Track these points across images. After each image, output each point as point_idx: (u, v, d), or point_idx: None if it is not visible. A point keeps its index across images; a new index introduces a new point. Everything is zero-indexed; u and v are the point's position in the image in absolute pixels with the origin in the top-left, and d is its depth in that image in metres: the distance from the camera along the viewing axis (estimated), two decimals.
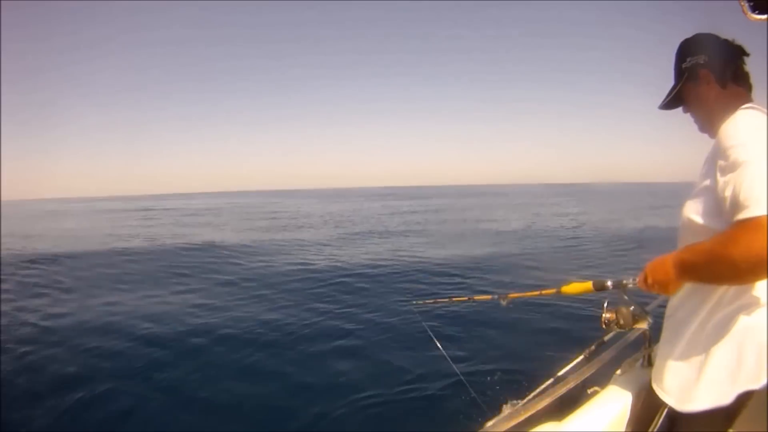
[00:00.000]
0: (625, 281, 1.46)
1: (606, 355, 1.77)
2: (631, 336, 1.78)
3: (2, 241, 14.74)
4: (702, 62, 1.27)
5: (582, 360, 1.88)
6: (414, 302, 3.60)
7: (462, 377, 2.60)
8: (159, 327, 5.67)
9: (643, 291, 1.33)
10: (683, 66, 1.32)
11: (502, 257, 10.29)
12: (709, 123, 1.28)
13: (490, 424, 1.52)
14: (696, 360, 1.22)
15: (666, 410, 1.30)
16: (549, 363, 2.12)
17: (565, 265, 9.18)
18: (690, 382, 1.23)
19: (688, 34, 1.34)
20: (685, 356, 1.25)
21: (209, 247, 12.43)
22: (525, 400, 1.74)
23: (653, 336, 1.73)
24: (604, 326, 1.52)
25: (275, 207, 39.69)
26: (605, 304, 1.52)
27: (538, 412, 1.53)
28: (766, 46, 1.15)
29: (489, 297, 2.11)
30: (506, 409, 2.03)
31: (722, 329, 1.17)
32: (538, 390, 1.80)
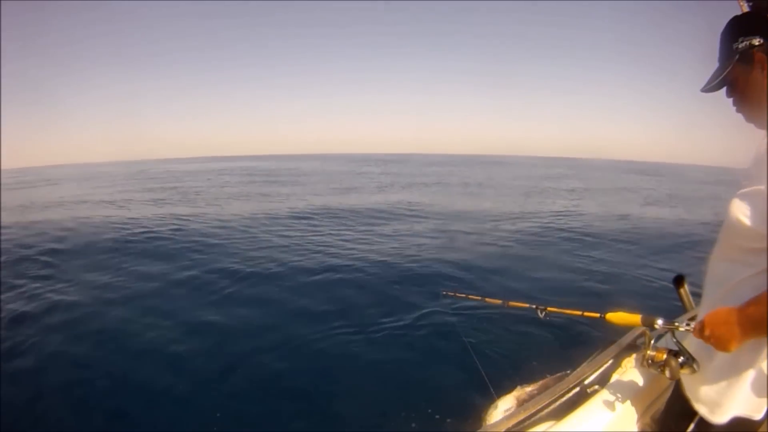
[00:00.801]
0: (677, 323, 1.36)
1: (606, 355, 1.77)
2: (631, 336, 1.78)
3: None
4: (758, 44, 1.14)
5: (582, 360, 1.88)
6: (444, 292, 3.41)
7: (481, 369, 2.46)
8: None
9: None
10: (734, 46, 1.17)
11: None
12: (759, 113, 1.17)
13: (490, 424, 1.52)
14: (731, 371, 1.18)
15: (698, 419, 1.27)
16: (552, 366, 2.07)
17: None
18: (724, 393, 1.19)
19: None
20: (720, 366, 1.20)
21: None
22: (523, 398, 1.74)
23: (653, 336, 1.73)
24: (647, 364, 1.42)
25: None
26: (653, 341, 1.44)
27: (538, 412, 1.54)
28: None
29: (526, 305, 1.96)
30: (501, 404, 2.03)
31: (760, 341, 1.12)
32: (533, 386, 1.80)
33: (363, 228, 10.23)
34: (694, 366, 1.32)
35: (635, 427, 1.58)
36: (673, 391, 1.44)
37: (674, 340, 1.37)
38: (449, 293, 3.07)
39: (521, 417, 1.51)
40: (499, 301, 2.12)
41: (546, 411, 1.54)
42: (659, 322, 1.40)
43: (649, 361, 1.40)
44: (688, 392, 1.31)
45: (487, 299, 2.30)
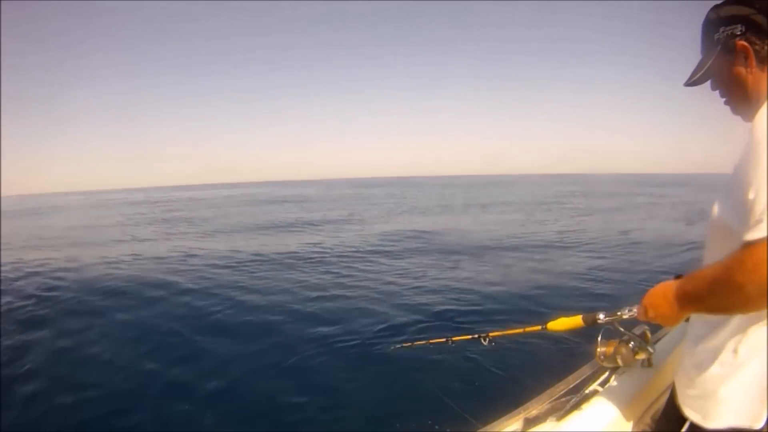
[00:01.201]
0: (619, 312, 1.38)
1: None
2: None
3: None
4: (739, 33, 1.08)
5: (582, 360, 1.88)
6: (393, 346, 3.17)
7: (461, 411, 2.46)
8: None
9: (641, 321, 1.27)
10: (715, 36, 1.13)
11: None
12: (745, 104, 1.12)
13: (490, 424, 1.52)
14: (725, 374, 1.09)
15: (688, 424, 1.20)
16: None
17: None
18: (717, 398, 1.11)
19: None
20: (712, 368, 1.12)
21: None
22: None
23: (653, 336, 1.73)
24: (600, 360, 1.45)
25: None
26: (599, 337, 1.46)
27: (538, 412, 1.53)
28: None
29: (469, 337, 1.95)
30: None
31: (758, 344, 1.04)
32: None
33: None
34: (649, 348, 1.37)
35: (635, 428, 1.58)
36: (670, 395, 1.39)
37: (621, 329, 1.40)
38: (398, 347, 3.14)
39: (521, 417, 1.51)
40: (443, 339, 2.08)
41: (546, 411, 1.54)
42: (601, 316, 1.42)
43: (602, 357, 1.43)
44: (679, 397, 1.25)
45: (431, 340, 2.26)
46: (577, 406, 1.54)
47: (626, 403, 1.54)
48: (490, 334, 1.84)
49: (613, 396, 1.56)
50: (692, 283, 1.05)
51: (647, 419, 1.62)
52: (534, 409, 1.49)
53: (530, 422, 1.49)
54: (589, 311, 1.48)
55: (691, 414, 1.19)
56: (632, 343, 1.37)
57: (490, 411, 1.67)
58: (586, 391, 1.63)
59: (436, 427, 3.20)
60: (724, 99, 1.19)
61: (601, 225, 14.52)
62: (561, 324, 1.52)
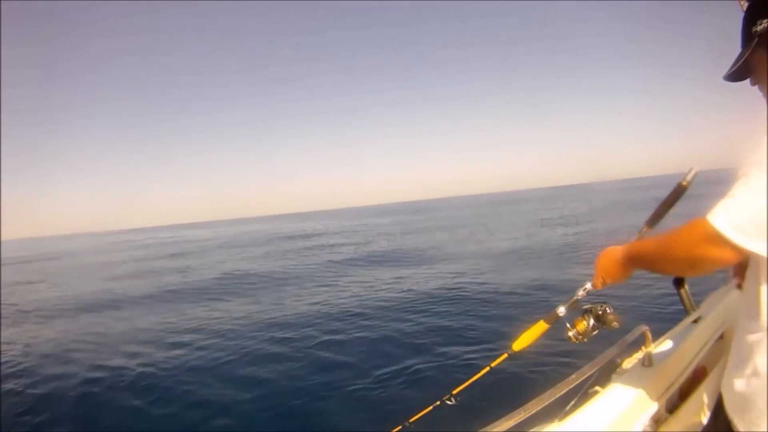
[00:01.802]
0: (575, 296, 1.44)
1: (606, 355, 1.77)
2: (632, 336, 1.78)
3: None
4: None
5: (582, 361, 1.88)
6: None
7: None
8: None
9: (600, 290, 1.34)
10: (753, 30, 1.08)
11: None
12: None
13: (490, 424, 1.52)
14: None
15: None
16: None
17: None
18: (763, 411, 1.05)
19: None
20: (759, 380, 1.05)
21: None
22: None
23: (653, 335, 1.73)
24: (578, 340, 1.49)
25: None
26: (567, 325, 1.48)
27: (538, 412, 1.53)
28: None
29: (430, 408, 1.71)
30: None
31: None
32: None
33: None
34: (613, 313, 1.43)
35: (636, 428, 1.58)
36: (714, 411, 1.33)
37: (583, 308, 1.47)
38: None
39: (521, 417, 1.51)
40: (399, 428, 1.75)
41: (546, 411, 1.54)
42: (561, 309, 1.48)
43: (578, 337, 1.48)
44: (728, 407, 1.17)
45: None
46: (577, 406, 1.54)
47: (626, 403, 1.54)
48: (453, 392, 1.67)
49: (614, 396, 1.56)
50: (640, 244, 1.21)
51: (648, 419, 1.61)
52: (534, 409, 1.49)
53: (530, 422, 1.49)
54: (547, 314, 1.50)
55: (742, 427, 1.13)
56: (592, 322, 1.45)
57: None
58: (587, 391, 1.63)
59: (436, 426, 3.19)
60: (764, 94, 1.14)
61: None
62: (525, 339, 1.51)
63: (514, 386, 3.44)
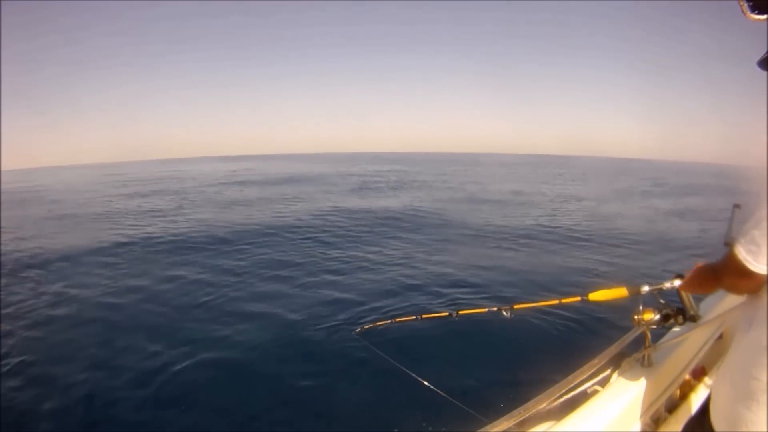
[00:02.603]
0: (662, 284, 1.50)
1: (606, 355, 1.77)
2: (632, 336, 1.78)
3: None
4: None
5: (582, 361, 1.88)
6: (355, 330, 2.75)
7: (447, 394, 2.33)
8: None
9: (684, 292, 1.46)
10: None
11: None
12: None
13: (490, 424, 1.52)
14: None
15: None
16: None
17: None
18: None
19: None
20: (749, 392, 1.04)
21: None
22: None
23: (653, 336, 1.73)
24: (636, 323, 1.57)
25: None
26: (641, 306, 1.56)
27: (538, 412, 1.53)
28: (766, 46, 1.13)
29: (484, 310, 1.83)
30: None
31: None
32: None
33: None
34: (679, 319, 1.52)
35: (635, 428, 1.58)
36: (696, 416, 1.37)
37: (660, 300, 1.54)
38: (360, 330, 2.65)
39: (521, 417, 1.51)
40: (412, 317, 2.00)
41: (546, 411, 1.54)
42: (645, 287, 1.54)
43: (640, 322, 1.55)
44: (714, 418, 1.17)
45: (397, 319, 2.16)
46: (577, 405, 1.54)
47: (626, 403, 1.54)
48: (514, 306, 1.79)
49: (613, 396, 1.56)
50: (699, 271, 1.30)
51: (647, 419, 1.62)
52: (534, 409, 1.49)
53: (530, 422, 1.49)
54: (632, 284, 1.56)
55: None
56: (665, 311, 1.53)
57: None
58: (587, 391, 1.62)
59: (435, 426, 3.20)
60: None
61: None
62: (604, 294, 1.57)
63: (515, 386, 3.45)
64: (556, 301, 1.76)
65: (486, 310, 1.87)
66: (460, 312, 1.87)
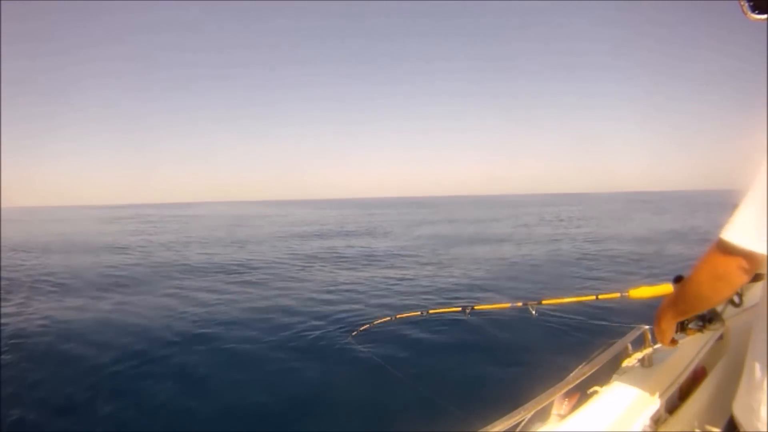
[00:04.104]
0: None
1: (606, 355, 1.77)
2: (632, 336, 1.78)
3: None
4: None
5: (582, 360, 1.88)
6: (353, 333, 2.81)
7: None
8: None
9: None
10: None
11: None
12: None
13: (490, 424, 1.52)
14: None
15: None
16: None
17: None
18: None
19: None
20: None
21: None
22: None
23: (653, 336, 1.73)
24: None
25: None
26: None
27: (538, 412, 1.53)
28: (766, 46, 1.13)
29: (511, 306, 1.77)
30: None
31: None
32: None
33: None
34: (711, 326, 1.37)
35: (635, 428, 1.58)
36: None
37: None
38: (358, 331, 2.68)
39: (521, 417, 1.51)
40: (418, 313, 1.93)
41: (546, 411, 1.54)
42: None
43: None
44: (739, 413, 1.14)
45: (398, 315, 2.10)
46: (577, 406, 1.54)
47: (626, 403, 1.54)
48: (543, 301, 1.72)
49: (613, 396, 1.56)
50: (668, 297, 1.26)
51: (647, 419, 1.61)
52: (534, 409, 1.49)
53: (530, 422, 1.49)
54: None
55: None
56: (700, 321, 1.40)
57: None
58: (587, 391, 1.62)
59: (435, 425, 3.20)
60: None
61: None
62: (645, 291, 1.50)
63: (514, 386, 3.46)
64: (593, 297, 1.68)
65: (509, 305, 1.79)
66: (475, 307, 1.79)
